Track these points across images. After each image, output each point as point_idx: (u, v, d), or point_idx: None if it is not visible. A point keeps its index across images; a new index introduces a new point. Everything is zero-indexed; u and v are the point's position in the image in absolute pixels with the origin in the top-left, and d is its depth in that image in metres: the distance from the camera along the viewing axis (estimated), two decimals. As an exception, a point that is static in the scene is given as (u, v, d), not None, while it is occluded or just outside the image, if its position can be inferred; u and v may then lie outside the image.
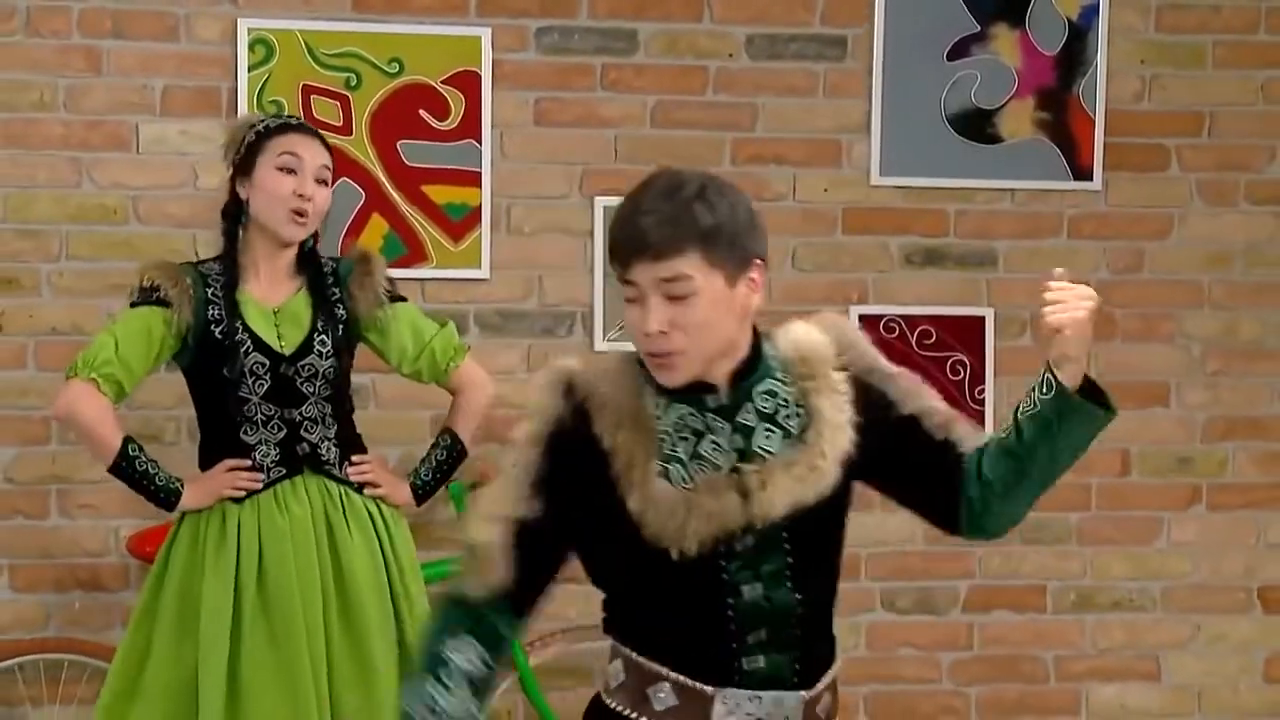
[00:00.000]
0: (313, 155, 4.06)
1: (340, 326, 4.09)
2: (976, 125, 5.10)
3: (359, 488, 4.09)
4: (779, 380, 2.67)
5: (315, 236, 4.13)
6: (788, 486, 2.60)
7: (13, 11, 4.70)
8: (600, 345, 4.92)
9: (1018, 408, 2.69)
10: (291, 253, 4.09)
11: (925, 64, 5.06)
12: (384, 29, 4.85)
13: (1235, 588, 5.27)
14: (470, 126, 4.88)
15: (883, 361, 2.76)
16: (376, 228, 4.84)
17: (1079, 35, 5.13)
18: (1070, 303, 2.62)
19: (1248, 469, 5.26)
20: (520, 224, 4.95)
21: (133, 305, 4.04)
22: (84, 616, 4.75)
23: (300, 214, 4.01)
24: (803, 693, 2.64)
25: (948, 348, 5.09)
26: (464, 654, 2.61)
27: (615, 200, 4.80)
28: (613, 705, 2.67)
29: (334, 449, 4.08)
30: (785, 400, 2.66)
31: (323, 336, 4.05)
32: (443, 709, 2.59)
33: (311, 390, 4.03)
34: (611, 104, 4.98)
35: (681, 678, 2.61)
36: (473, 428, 4.26)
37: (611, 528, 2.59)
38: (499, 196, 4.92)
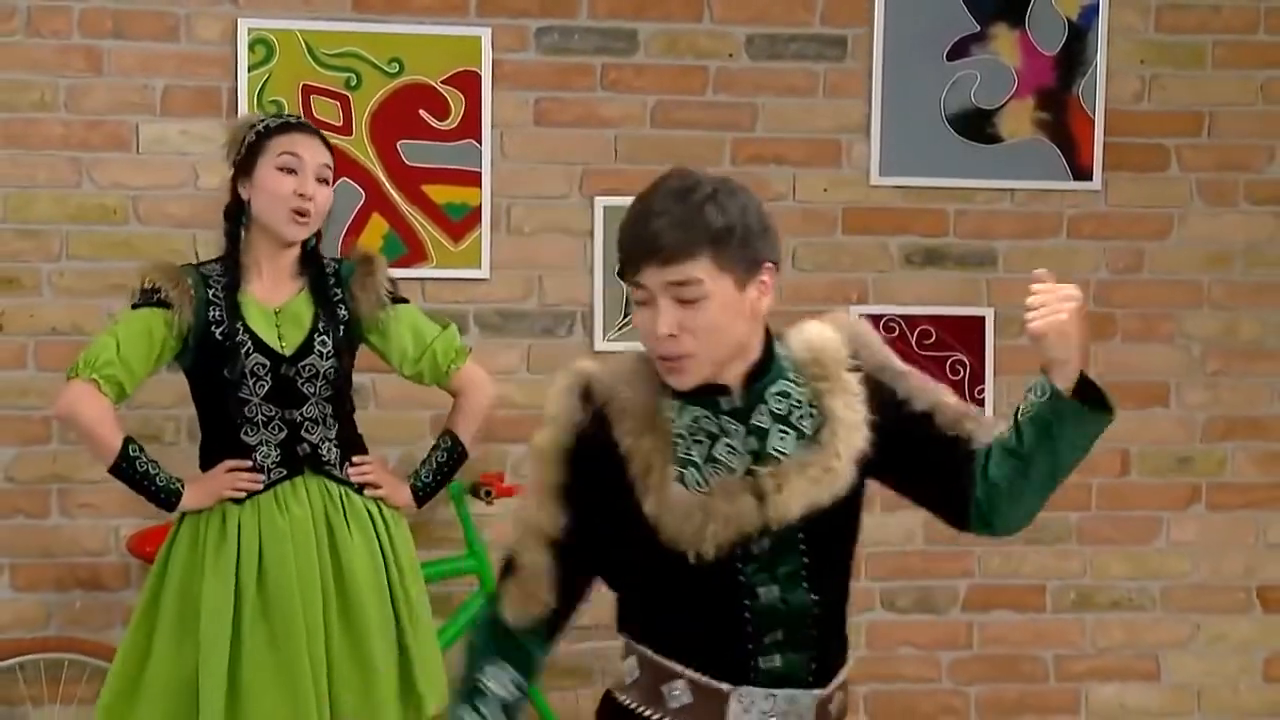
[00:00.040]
0: (313, 154, 4.05)
1: (342, 327, 4.08)
2: (976, 125, 5.11)
3: (359, 488, 4.09)
4: (792, 381, 2.67)
5: (318, 236, 4.12)
6: (803, 489, 2.61)
7: (13, 11, 4.70)
8: (600, 345, 4.92)
9: (1018, 409, 2.70)
10: (294, 253, 4.09)
11: (925, 64, 5.07)
12: (384, 29, 4.85)
13: (1235, 587, 5.27)
14: (470, 126, 4.89)
15: (895, 360, 2.76)
16: (376, 228, 4.85)
17: (1079, 35, 5.13)
18: (1051, 306, 2.60)
19: (1247, 469, 5.26)
20: (520, 224, 4.95)
21: (134, 307, 4.04)
22: (84, 616, 4.75)
23: (301, 213, 4.01)
24: (817, 691, 2.65)
25: (947, 347, 5.09)
26: (500, 681, 2.64)
27: (615, 200, 4.87)
28: (626, 702, 2.68)
29: (335, 449, 4.08)
30: (799, 401, 2.66)
31: (323, 337, 4.05)
32: None
33: (312, 391, 4.03)
34: (611, 104, 4.98)
35: (697, 675, 2.62)
36: (473, 430, 4.25)
37: (628, 531, 2.60)
38: (499, 196, 4.92)
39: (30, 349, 4.74)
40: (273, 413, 4.02)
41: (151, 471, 4.04)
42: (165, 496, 4.04)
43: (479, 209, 4.90)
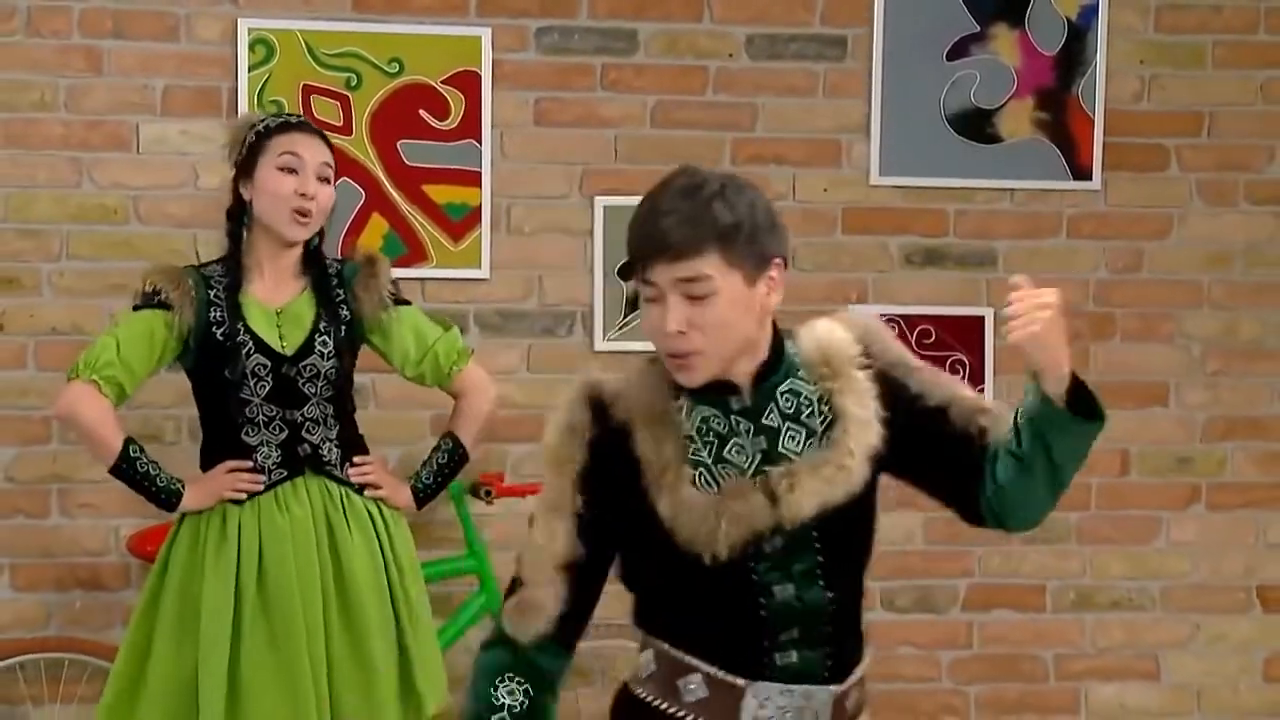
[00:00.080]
0: (314, 154, 4.05)
1: (344, 328, 4.08)
2: (976, 125, 5.11)
3: (360, 488, 4.09)
4: (802, 379, 2.67)
5: (321, 235, 4.12)
6: (816, 488, 2.61)
7: (13, 11, 4.70)
8: (600, 345, 4.92)
9: (1017, 410, 2.69)
10: (296, 252, 4.09)
11: (925, 64, 5.07)
12: (384, 29, 4.85)
13: (1235, 587, 5.27)
14: (470, 126, 4.89)
15: (908, 355, 2.77)
16: (376, 227, 4.85)
17: (1078, 35, 5.13)
18: (1027, 315, 2.57)
19: (1247, 469, 5.27)
20: (520, 224, 4.95)
21: (135, 308, 4.04)
22: (84, 616, 4.75)
23: (303, 213, 4.01)
24: (833, 687, 2.66)
25: (947, 347, 5.09)
26: (515, 697, 2.63)
27: (615, 200, 4.87)
28: (641, 695, 2.68)
29: (335, 450, 4.08)
30: (809, 399, 2.66)
31: (324, 337, 4.05)
32: None
33: (313, 391, 4.03)
34: (611, 104, 4.98)
35: (714, 670, 2.62)
36: (475, 432, 4.25)
37: (643, 533, 2.60)
38: (499, 196, 4.92)
39: (30, 349, 4.74)
40: (274, 413, 4.02)
41: (152, 472, 4.04)
42: (166, 497, 4.04)
43: (479, 209, 4.90)
